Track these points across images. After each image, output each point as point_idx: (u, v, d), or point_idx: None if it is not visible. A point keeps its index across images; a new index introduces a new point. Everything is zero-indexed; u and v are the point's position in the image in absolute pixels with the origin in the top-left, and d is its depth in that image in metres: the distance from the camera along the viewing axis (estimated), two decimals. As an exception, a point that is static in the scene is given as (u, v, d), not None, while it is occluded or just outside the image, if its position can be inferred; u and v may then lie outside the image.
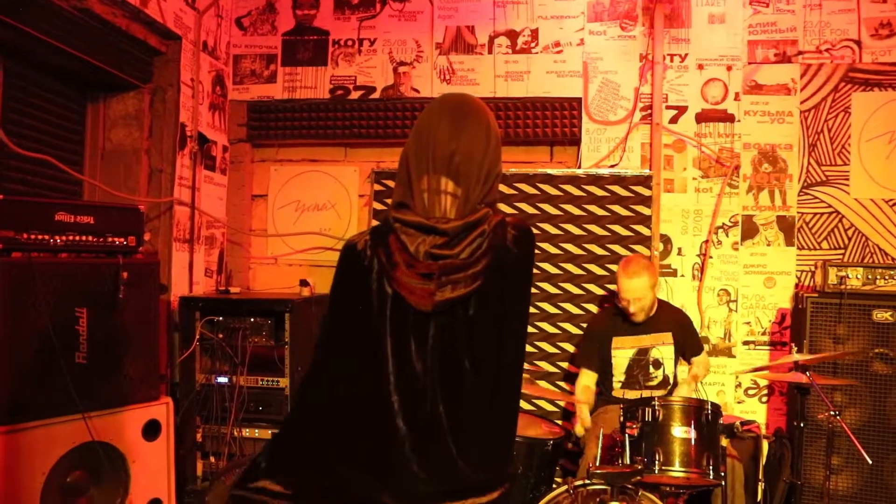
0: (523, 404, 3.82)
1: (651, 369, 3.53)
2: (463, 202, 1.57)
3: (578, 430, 3.41)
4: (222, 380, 3.72)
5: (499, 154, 1.65)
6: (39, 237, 2.68)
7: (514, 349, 1.62)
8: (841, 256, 4.07)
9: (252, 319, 3.73)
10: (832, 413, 2.75)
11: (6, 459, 2.47)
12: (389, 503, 1.52)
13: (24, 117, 3.35)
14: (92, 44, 3.41)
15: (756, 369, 3.71)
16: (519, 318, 1.63)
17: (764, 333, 4.16)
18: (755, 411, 4.14)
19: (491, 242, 1.54)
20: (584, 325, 3.89)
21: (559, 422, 3.73)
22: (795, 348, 2.93)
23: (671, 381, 3.57)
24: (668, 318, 3.62)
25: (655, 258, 4.06)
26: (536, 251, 3.97)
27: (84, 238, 2.83)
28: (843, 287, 3.61)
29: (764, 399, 4.15)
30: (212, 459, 3.74)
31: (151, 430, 3.01)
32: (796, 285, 4.11)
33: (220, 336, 3.73)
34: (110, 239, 2.92)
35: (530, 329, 4.02)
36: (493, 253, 1.54)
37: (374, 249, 1.58)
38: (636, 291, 3.45)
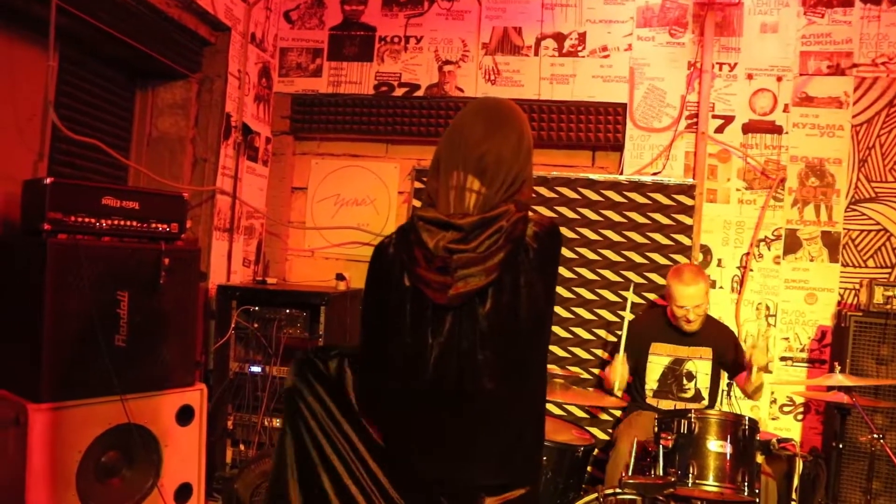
0: (554, 409, 3.80)
1: (684, 381, 3.48)
2: (486, 200, 1.60)
3: (614, 374, 3.33)
4: (255, 369, 3.76)
5: (529, 159, 1.67)
6: (86, 220, 2.72)
7: (534, 346, 1.62)
8: (888, 275, 3.97)
9: (287, 311, 3.76)
10: (875, 436, 2.68)
11: (47, 436, 2.52)
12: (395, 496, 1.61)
13: (75, 102, 3.41)
14: (144, 32, 3.47)
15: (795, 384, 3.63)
16: (538, 315, 1.61)
17: (803, 350, 4.07)
18: (790, 429, 4.06)
19: (508, 238, 1.55)
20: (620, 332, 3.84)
21: (589, 428, 3.69)
22: (839, 367, 2.86)
23: (703, 396, 3.50)
24: (712, 334, 3.54)
25: (695, 268, 4.00)
26: (574, 256, 3.98)
27: (128, 223, 2.87)
28: (888, 307, 3.52)
29: (799, 417, 4.06)
30: (241, 447, 3.78)
31: (185, 416, 3.05)
32: (839, 303, 4.02)
33: (256, 326, 3.77)
34: (154, 225, 2.96)
35: (564, 334, 4.00)
36: (509, 248, 1.55)
37: (397, 246, 1.65)
38: (695, 298, 3.38)
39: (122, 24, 3.32)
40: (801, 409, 4.07)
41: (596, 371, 3.96)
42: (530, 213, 1.63)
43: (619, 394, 3.42)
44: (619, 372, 3.34)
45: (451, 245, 1.56)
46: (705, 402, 3.50)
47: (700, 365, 3.50)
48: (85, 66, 3.49)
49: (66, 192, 2.67)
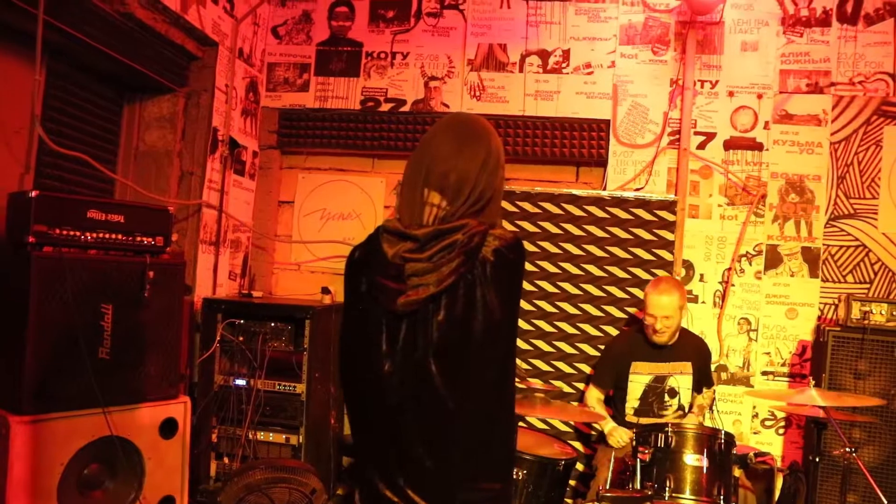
0: (537, 423, 3.83)
1: (666, 397, 3.50)
2: (447, 215, 1.63)
3: (615, 441, 3.35)
4: (240, 382, 3.77)
5: (495, 176, 1.69)
6: (71, 233, 2.74)
7: (488, 358, 1.62)
8: (866, 291, 4.03)
9: (273, 324, 3.78)
10: (848, 450, 2.72)
11: (27, 448, 2.53)
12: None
13: (62, 116, 3.44)
14: (132, 47, 3.50)
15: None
16: (491, 328, 1.60)
17: (784, 364, 4.12)
18: (772, 443, 4.09)
19: (462, 250, 1.58)
20: (603, 346, 3.88)
21: (573, 443, 3.72)
22: (813, 382, 2.90)
23: (686, 411, 3.54)
24: (690, 348, 3.59)
25: (677, 283, 4.05)
26: (557, 271, 4.02)
27: (113, 236, 2.89)
28: (866, 322, 3.57)
29: (781, 431, 4.10)
30: (226, 460, 3.78)
31: (168, 428, 3.05)
32: (819, 318, 4.07)
33: (241, 339, 3.78)
34: (139, 238, 2.98)
35: (547, 348, 4.03)
36: (462, 259, 1.57)
37: (363, 254, 1.71)
38: (665, 309, 3.42)
39: (110, 39, 3.35)
40: (783, 424, 4.11)
41: (579, 385, 3.99)
42: (495, 229, 1.65)
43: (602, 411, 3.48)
44: (615, 436, 3.39)
45: (405, 254, 1.60)
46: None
47: (682, 380, 3.53)
48: (72, 80, 3.51)
49: (51, 204, 2.69)
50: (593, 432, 3.91)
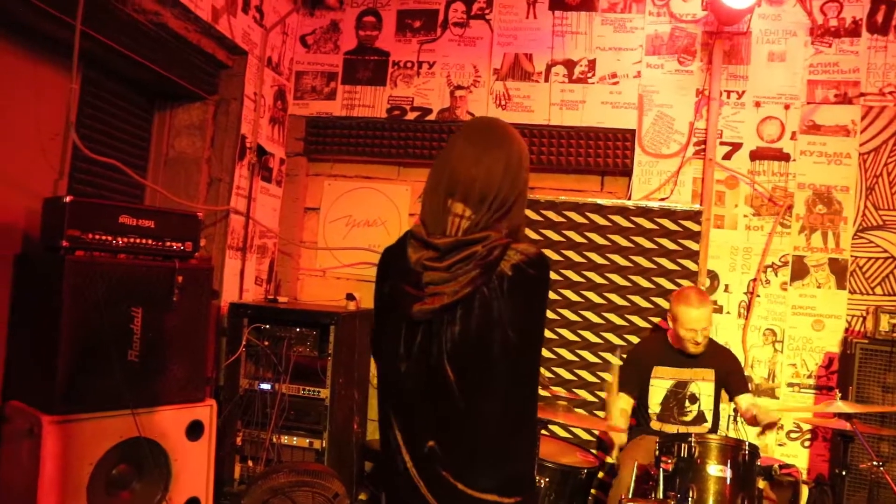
0: (559, 431, 3.83)
1: (687, 403, 3.49)
2: (472, 224, 1.64)
3: (615, 457, 3.37)
4: (265, 386, 3.81)
5: (519, 181, 1.69)
6: (103, 237, 2.80)
7: (500, 372, 1.61)
8: (895, 303, 3.98)
9: (298, 329, 3.81)
10: (875, 463, 2.69)
11: (58, 448, 2.58)
12: None
13: (96, 122, 3.52)
14: (164, 56, 3.57)
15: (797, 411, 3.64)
16: (505, 344, 1.60)
17: (810, 376, 4.08)
18: (797, 455, 4.05)
19: (480, 263, 1.59)
20: (626, 356, 3.87)
21: (594, 451, 3.71)
22: (839, 395, 2.87)
23: (706, 418, 3.52)
24: (713, 355, 3.58)
25: (702, 294, 4.04)
26: (581, 280, 4.02)
27: (144, 241, 2.94)
28: (895, 335, 3.53)
29: (807, 444, 4.06)
30: (250, 463, 3.82)
31: (195, 431, 3.10)
32: (846, 330, 4.03)
33: (266, 343, 3.83)
34: (168, 243, 3.04)
35: (570, 356, 4.03)
36: (479, 272, 1.58)
37: (391, 257, 1.75)
38: (702, 321, 3.41)
39: (143, 49, 3.42)
40: (809, 436, 4.06)
41: (601, 394, 3.99)
42: (520, 244, 1.64)
43: (622, 425, 3.45)
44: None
45: (425, 262, 1.63)
46: (708, 425, 3.51)
47: (703, 387, 3.52)
48: (106, 88, 3.59)
49: (84, 210, 2.75)
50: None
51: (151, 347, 2.92)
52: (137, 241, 2.92)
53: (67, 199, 2.70)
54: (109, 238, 2.82)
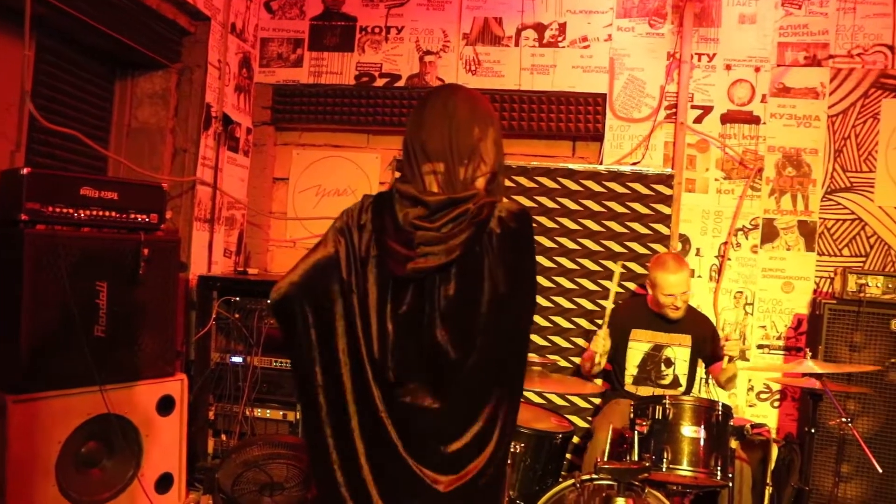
0: (533, 397, 3.84)
1: (663, 367, 3.52)
2: (449, 182, 1.65)
3: (596, 345, 3.34)
4: (237, 359, 3.77)
5: (491, 144, 1.70)
6: (64, 210, 2.72)
7: (492, 328, 1.62)
8: (862, 264, 4.03)
9: (269, 301, 3.76)
10: (844, 420, 2.74)
11: (24, 427, 2.53)
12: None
13: (53, 92, 3.40)
14: (123, 22, 3.45)
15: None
16: (498, 299, 1.62)
17: (779, 338, 4.13)
18: (767, 416, 4.12)
19: (472, 221, 1.59)
20: (600, 321, 3.86)
21: (569, 416, 3.73)
22: (809, 355, 2.91)
23: (681, 382, 3.55)
24: (691, 322, 3.58)
25: (673, 258, 4.06)
26: (554, 245, 4.01)
27: (107, 213, 2.87)
28: (861, 295, 3.58)
29: (776, 404, 4.13)
30: (223, 437, 3.79)
31: (165, 406, 3.06)
32: (815, 291, 4.08)
33: (237, 316, 3.78)
34: (133, 215, 2.96)
35: (544, 323, 4.03)
36: (472, 231, 1.59)
37: (374, 212, 1.69)
38: (681, 286, 3.43)
39: (100, 14, 3.30)
40: (778, 397, 4.13)
41: (576, 360, 4.00)
42: (503, 202, 1.66)
43: (601, 365, 3.44)
44: (601, 344, 3.35)
45: (416, 221, 1.61)
46: (682, 389, 3.54)
47: (679, 352, 3.54)
48: (63, 56, 3.47)
49: (43, 182, 2.67)
50: (591, 406, 3.93)
51: (118, 322, 2.86)
52: (100, 213, 2.84)
53: (25, 170, 2.61)
54: (71, 211, 2.74)
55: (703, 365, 3.64)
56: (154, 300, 3.02)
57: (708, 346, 3.58)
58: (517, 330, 1.70)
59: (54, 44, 3.38)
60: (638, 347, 3.57)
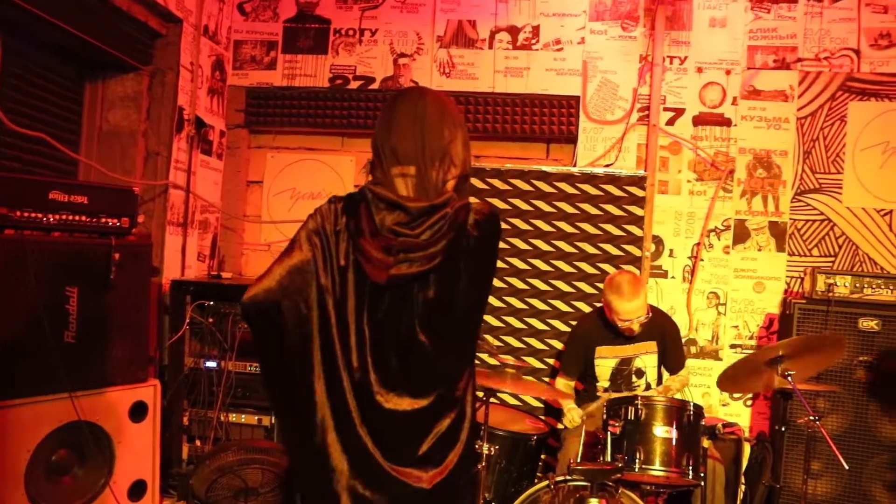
0: (508, 399, 3.85)
1: (634, 378, 3.48)
2: (421, 185, 1.65)
3: (568, 421, 3.32)
4: (211, 364, 3.74)
5: (461, 146, 1.71)
6: (32, 215, 2.67)
7: (468, 329, 1.70)
8: (831, 264, 4.09)
9: (240, 303, 3.73)
10: (812, 418, 2.78)
11: (-8, 435, 2.49)
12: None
13: (21, 94, 3.35)
14: (92, 23, 3.41)
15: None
16: (474, 301, 1.68)
17: (751, 337, 4.18)
18: (740, 414, 4.17)
19: (451, 225, 1.60)
20: (574, 322, 3.88)
21: (543, 417, 3.75)
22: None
23: (653, 388, 3.54)
24: (654, 327, 3.50)
25: (647, 259, 4.09)
26: (528, 247, 4.02)
27: (77, 218, 2.82)
28: (830, 294, 3.63)
29: (749, 403, 4.18)
30: (198, 443, 3.76)
31: (138, 412, 3.02)
32: (785, 291, 4.14)
33: (211, 321, 3.75)
34: (103, 220, 2.92)
35: (518, 324, 4.05)
36: (452, 235, 1.60)
37: (347, 215, 1.67)
38: (638, 311, 3.31)
39: (68, 16, 3.26)
40: (751, 396, 4.18)
41: (550, 360, 4.02)
42: (472, 200, 1.69)
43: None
44: (571, 421, 3.34)
45: (395, 227, 1.60)
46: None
47: (647, 359, 3.49)
48: (31, 58, 3.42)
49: (10, 186, 2.63)
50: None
51: (89, 328, 2.83)
52: (70, 217, 2.80)
53: (-8, 175, 2.57)
54: (40, 215, 2.70)
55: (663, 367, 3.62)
56: (126, 305, 2.98)
57: (670, 351, 3.53)
58: (480, 321, 1.77)
59: (20, 45, 3.34)
60: (605, 364, 3.49)
